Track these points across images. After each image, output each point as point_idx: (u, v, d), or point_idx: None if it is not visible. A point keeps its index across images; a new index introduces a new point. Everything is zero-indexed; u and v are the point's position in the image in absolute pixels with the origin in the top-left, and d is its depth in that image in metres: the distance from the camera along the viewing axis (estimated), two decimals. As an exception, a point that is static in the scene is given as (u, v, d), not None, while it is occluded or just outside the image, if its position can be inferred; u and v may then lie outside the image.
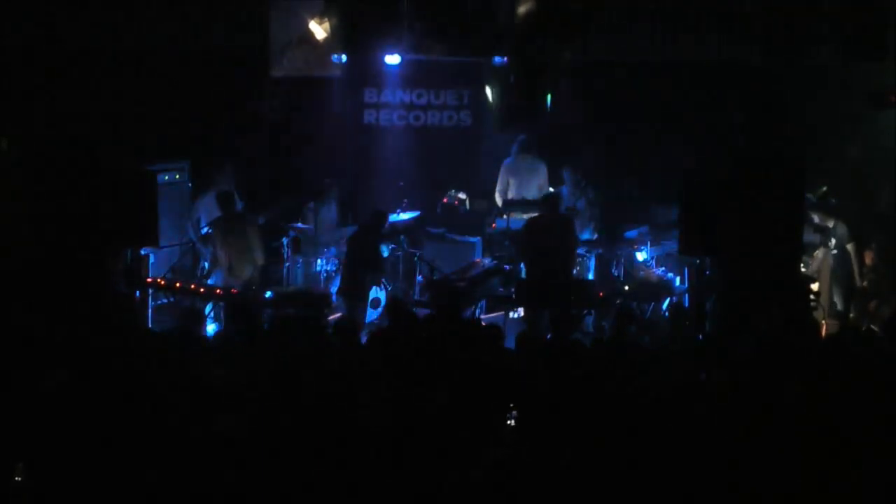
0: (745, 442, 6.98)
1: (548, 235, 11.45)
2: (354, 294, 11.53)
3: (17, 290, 9.82)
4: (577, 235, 11.80)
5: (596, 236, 12.45)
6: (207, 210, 12.04)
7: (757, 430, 7.09)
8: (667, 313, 11.18)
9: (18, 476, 6.34)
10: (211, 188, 12.24)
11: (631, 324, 9.16)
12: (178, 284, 11.28)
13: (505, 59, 13.51)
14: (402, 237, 12.78)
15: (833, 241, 11.54)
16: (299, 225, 12.70)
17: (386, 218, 12.07)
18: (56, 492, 6.47)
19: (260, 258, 11.43)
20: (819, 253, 11.63)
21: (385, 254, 12.66)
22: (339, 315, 11.42)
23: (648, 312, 11.35)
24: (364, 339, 9.37)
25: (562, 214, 11.77)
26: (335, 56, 13.53)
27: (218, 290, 11.21)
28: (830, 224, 11.61)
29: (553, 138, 13.41)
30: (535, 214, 11.96)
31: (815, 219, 11.54)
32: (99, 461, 6.69)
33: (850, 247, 11.49)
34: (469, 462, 6.81)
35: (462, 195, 13.46)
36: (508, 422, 6.99)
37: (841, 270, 11.64)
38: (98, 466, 6.64)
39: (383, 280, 12.32)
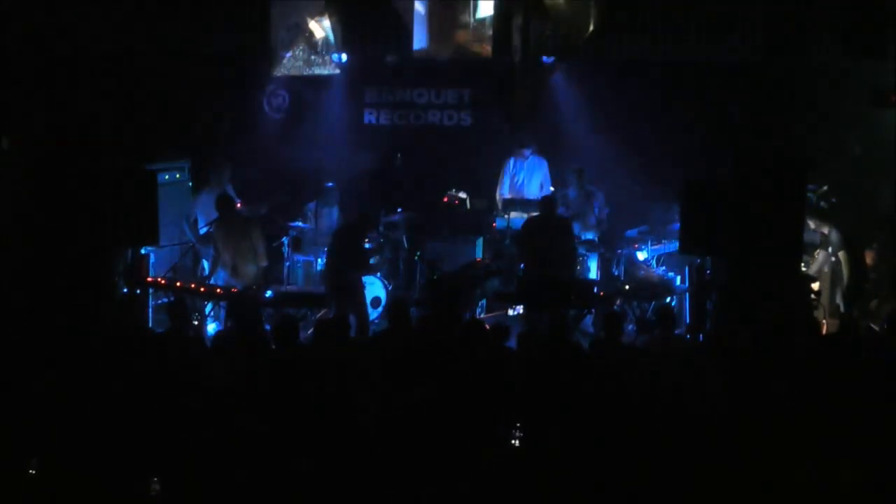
0: (745, 441, 6.99)
1: (544, 236, 11.47)
2: (342, 291, 11.44)
3: (17, 289, 9.83)
4: (573, 236, 11.79)
5: (599, 240, 12.43)
6: (205, 209, 12.04)
7: (756, 429, 7.10)
8: (653, 315, 11.13)
9: (32, 470, 6.36)
10: (207, 187, 12.23)
11: (620, 327, 9.11)
12: (178, 284, 11.26)
13: (506, 59, 13.57)
14: (403, 236, 12.78)
15: (830, 248, 11.55)
16: (299, 224, 12.70)
17: (369, 220, 11.99)
18: (57, 490, 6.47)
19: (263, 258, 11.42)
20: (820, 254, 11.63)
21: (385, 256, 12.66)
22: (323, 312, 11.40)
23: (649, 312, 11.34)
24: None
25: (558, 215, 11.75)
26: (335, 56, 13.56)
27: (218, 290, 11.20)
28: (825, 230, 11.61)
29: (553, 138, 13.41)
30: (534, 214, 11.98)
31: (812, 225, 11.55)
32: (99, 459, 6.69)
33: (841, 254, 11.49)
34: (468, 462, 6.82)
35: (462, 195, 13.46)
36: (513, 441, 6.97)
37: (839, 274, 11.64)
38: (98, 464, 6.65)
39: (383, 280, 12.32)
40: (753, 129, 12.95)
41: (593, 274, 12.28)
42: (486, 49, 13.00)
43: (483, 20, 12.85)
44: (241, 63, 13.69)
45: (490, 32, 13.05)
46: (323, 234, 12.53)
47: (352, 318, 10.85)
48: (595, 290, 11.30)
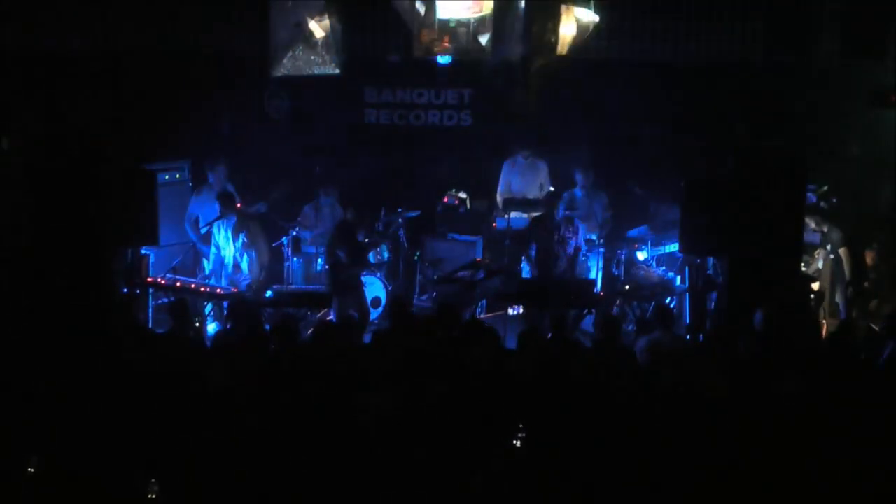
0: (745, 441, 6.98)
1: (549, 234, 11.48)
2: (343, 289, 11.48)
3: (17, 289, 9.83)
4: (580, 235, 11.79)
5: (602, 241, 12.42)
6: (204, 208, 12.05)
7: (756, 429, 7.09)
8: (652, 315, 11.12)
9: (32, 468, 6.36)
10: (207, 187, 12.24)
11: (618, 331, 9.09)
12: (178, 284, 11.28)
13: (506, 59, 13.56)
14: (400, 232, 12.76)
15: (829, 245, 11.55)
16: (298, 228, 12.69)
17: (364, 216, 12.00)
18: (57, 490, 6.47)
19: (265, 257, 11.42)
20: (819, 254, 11.63)
21: (385, 256, 12.66)
22: (323, 312, 11.40)
23: (649, 312, 11.33)
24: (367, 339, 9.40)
25: (564, 214, 11.74)
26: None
27: (218, 290, 11.21)
28: (825, 229, 11.61)
29: (554, 138, 13.41)
30: (538, 213, 11.98)
31: (812, 224, 11.55)
32: (99, 459, 6.69)
33: (842, 251, 11.49)
34: (469, 462, 6.82)
35: (462, 195, 13.46)
36: (515, 442, 6.95)
37: (839, 272, 11.64)
38: (98, 464, 6.65)
39: (383, 280, 12.32)
40: (753, 129, 12.95)
41: (593, 274, 12.28)
42: (445, 48, 13.03)
43: (446, 21, 12.87)
44: (241, 63, 13.69)
45: (450, 33, 13.07)
46: (324, 234, 12.54)
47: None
48: (595, 290, 11.30)
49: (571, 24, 12.46)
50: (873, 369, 8.20)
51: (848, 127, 12.95)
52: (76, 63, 13.03)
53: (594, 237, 12.39)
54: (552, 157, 13.19)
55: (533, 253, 11.66)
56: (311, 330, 9.55)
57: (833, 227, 11.57)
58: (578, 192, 12.62)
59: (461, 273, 11.79)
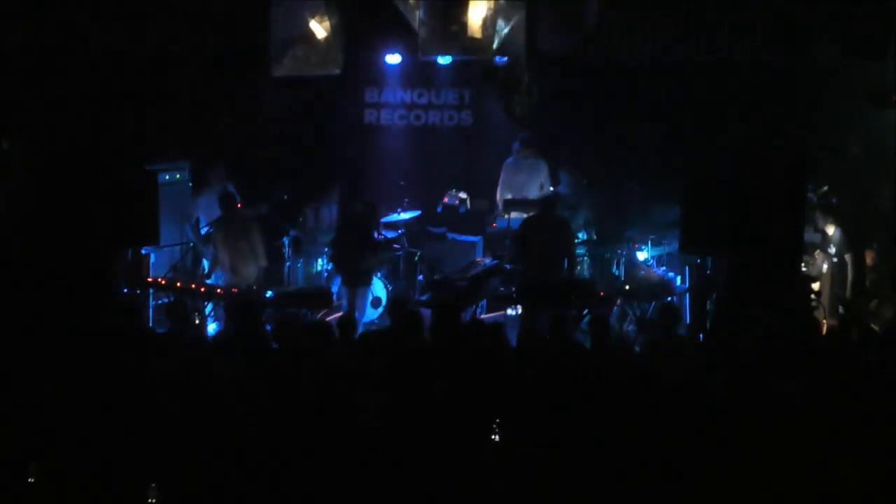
0: (745, 441, 6.99)
1: (542, 235, 11.43)
2: (358, 280, 11.53)
3: (18, 289, 9.83)
4: (573, 235, 11.76)
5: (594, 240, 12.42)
6: (205, 210, 12.05)
7: (756, 429, 7.10)
8: (654, 313, 11.11)
9: (32, 476, 6.36)
10: (206, 188, 12.25)
11: (606, 333, 9.07)
12: (178, 284, 11.28)
13: (506, 59, 13.57)
14: (401, 233, 12.77)
15: (833, 248, 11.54)
16: (298, 230, 12.70)
17: (376, 209, 12.03)
18: (56, 491, 6.48)
19: (262, 258, 11.43)
20: (819, 255, 11.63)
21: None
22: (341, 314, 11.44)
23: (649, 312, 11.33)
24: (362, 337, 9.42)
25: (557, 215, 11.71)
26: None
27: (218, 290, 11.21)
28: (830, 230, 11.60)
29: (553, 138, 13.41)
30: (531, 214, 11.98)
31: (819, 221, 11.54)
32: (98, 461, 6.69)
33: (847, 257, 11.48)
34: (469, 462, 6.83)
35: (462, 195, 13.47)
36: (493, 437, 6.94)
37: (840, 275, 11.63)
38: (98, 466, 6.65)
39: (383, 280, 12.32)
40: (753, 129, 12.95)
41: (586, 273, 12.28)
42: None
43: None
44: (241, 63, 13.69)
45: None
46: (324, 233, 12.55)
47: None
48: (595, 290, 11.29)
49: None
50: (873, 369, 8.20)
51: (848, 127, 12.95)
52: (76, 63, 13.02)
53: (583, 235, 12.40)
54: (552, 157, 13.20)
55: (526, 253, 11.59)
56: (310, 328, 9.54)
57: (837, 228, 11.57)
58: (562, 188, 12.64)
59: (461, 273, 11.79)
